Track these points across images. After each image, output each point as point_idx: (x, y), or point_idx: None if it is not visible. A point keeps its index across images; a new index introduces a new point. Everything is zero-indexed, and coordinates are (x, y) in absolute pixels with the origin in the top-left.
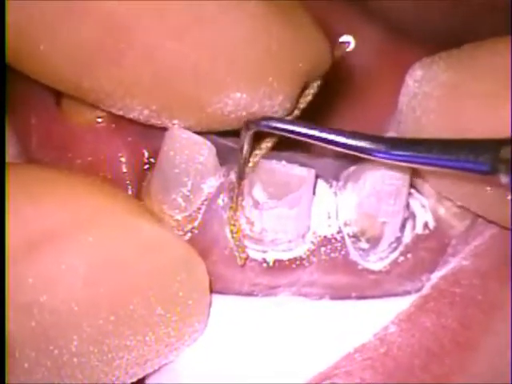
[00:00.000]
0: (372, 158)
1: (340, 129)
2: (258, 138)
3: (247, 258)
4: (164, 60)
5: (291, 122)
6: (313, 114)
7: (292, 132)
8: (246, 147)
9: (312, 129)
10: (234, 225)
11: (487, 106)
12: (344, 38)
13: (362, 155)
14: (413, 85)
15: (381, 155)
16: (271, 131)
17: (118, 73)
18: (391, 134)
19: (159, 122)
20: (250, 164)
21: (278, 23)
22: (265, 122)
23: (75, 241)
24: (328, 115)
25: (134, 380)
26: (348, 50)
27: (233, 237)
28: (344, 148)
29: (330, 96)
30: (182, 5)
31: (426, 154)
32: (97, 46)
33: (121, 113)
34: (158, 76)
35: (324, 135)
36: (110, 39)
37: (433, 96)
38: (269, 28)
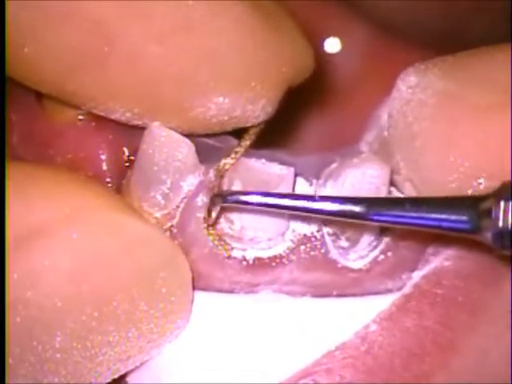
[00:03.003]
0: (350, 221)
1: (311, 195)
2: (237, 135)
3: (232, 249)
4: (148, 64)
5: (258, 194)
6: (293, 116)
7: (261, 204)
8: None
9: (283, 197)
10: (210, 225)
11: (481, 117)
12: (330, 41)
13: (337, 219)
14: (406, 91)
15: (359, 218)
16: (237, 206)
17: (102, 77)
18: (370, 136)
19: (141, 123)
20: (230, 161)
21: (262, 29)
22: (231, 197)
23: (59, 237)
24: (309, 117)
25: (116, 376)
26: (334, 51)
27: (210, 234)
28: (317, 214)
29: (311, 98)
30: (167, 10)
31: (404, 214)
32: (80, 49)
33: (102, 114)
34: (142, 80)
35: (297, 203)
36: (94, 43)
37: (427, 104)
38: (253, 33)
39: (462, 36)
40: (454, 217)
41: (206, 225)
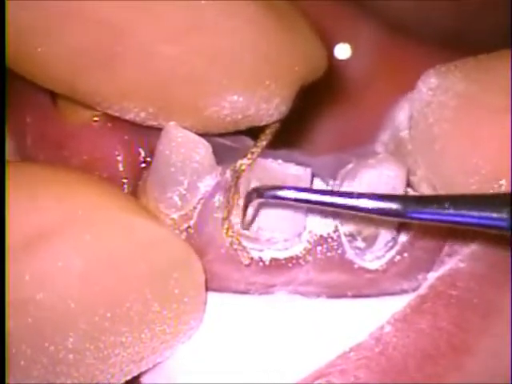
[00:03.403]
0: (387, 218)
1: (347, 192)
2: (253, 136)
3: (252, 257)
4: (161, 64)
5: (295, 189)
6: (306, 116)
7: (299, 200)
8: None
9: (320, 194)
10: (228, 227)
11: (502, 119)
12: (340, 47)
13: (375, 216)
14: (426, 92)
15: (397, 216)
16: (276, 201)
17: (114, 77)
18: (386, 136)
19: (156, 123)
20: (247, 162)
21: (275, 28)
22: (269, 192)
23: (72, 238)
24: (322, 117)
25: (129, 377)
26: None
27: (230, 235)
28: (353, 210)
29: (325, 98)
30: (181, 9)
31: (441, 211)
32: (93, 49)
33: (117, 114)
34: (155, 80)
35: (334, 200)
36: (106, 43)
37: (448, 106)
38: (267, 33)
39: (470, 35)
40: (492, 214)
41: (226, 228)
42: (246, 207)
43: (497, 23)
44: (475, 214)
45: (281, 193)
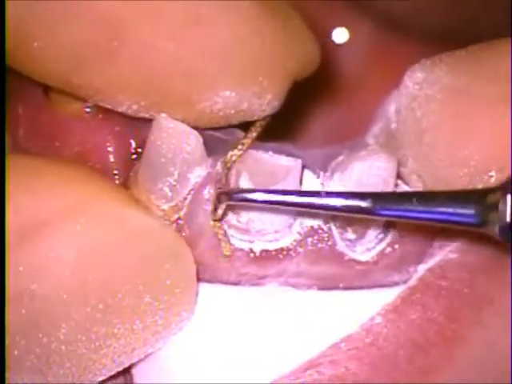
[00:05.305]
0: (357, 216)
1: (317, 191)
2: (244, 128)
3: (233, 249)
4: (157, 60)
5: (264, 192)
6: (298, 109)
7: (267, 202)
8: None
9: (289, 194)
10: (217, 219)
11: (491, 110)
12: (337, 32)
13: (344, 214)
14: (413, 87)
15: (365, 213)
16: (243, 204)
17: (110, 71)
18: (377, 129)
19: (147, 115)
20: (237, 153)
21: (270, 24)
22: (237, 195)
23: (64, 230)
24: (314, 110)
25: (121, 368)
26: (341, 42)
27: (216, 226)
28: (325, 210)
29: (318, 91)
30: (177, 5)
31: (410, 208)
32: (90, 44)
33: (109, 107)
34: (150, 75)
35: (303, 200)
36: (103, 38)
37: (435, 99)
38: (262, 28)
39: (470, 33)
40: (460, 211)
41: (213, 219)
42: (215, 207)
43: (497, 23)
44: (443, 210)
45: (250, 195)
